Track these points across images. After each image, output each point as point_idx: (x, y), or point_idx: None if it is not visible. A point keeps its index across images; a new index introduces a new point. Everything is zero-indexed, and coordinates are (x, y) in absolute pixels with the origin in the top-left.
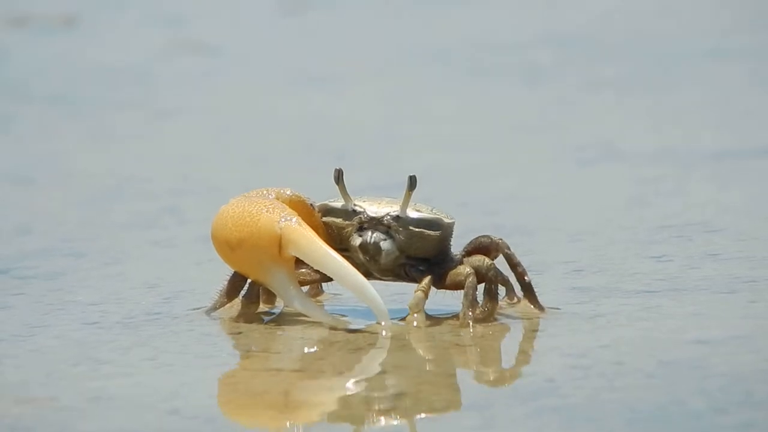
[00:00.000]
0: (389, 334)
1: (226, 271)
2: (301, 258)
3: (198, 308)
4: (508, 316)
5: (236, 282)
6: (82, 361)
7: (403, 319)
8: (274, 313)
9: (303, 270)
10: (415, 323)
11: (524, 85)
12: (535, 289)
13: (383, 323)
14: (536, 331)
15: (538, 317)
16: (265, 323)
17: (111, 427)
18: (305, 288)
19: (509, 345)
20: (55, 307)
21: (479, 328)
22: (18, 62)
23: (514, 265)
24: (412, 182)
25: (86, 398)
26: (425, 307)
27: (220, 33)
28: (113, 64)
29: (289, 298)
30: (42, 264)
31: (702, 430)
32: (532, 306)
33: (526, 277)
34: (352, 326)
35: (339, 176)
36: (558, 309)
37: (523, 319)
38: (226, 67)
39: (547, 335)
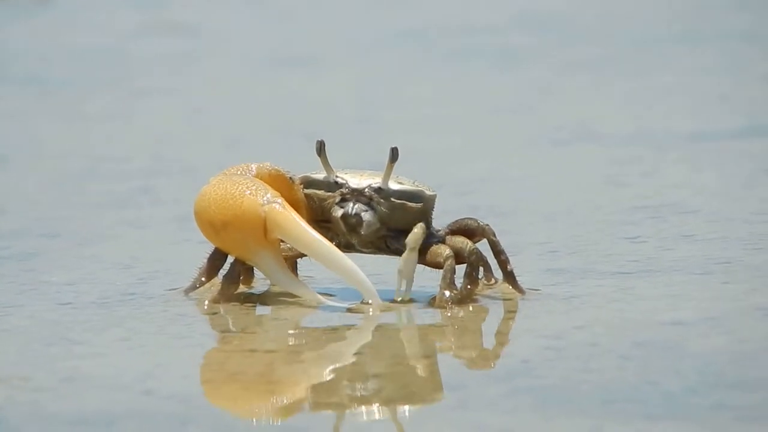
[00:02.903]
0: (376, 314)
1: (202, 252)
2: (286, 241)
3: (174, 288)
4: (484, 297)
5: (215, 261)
6: (56, 342)
7: (394, 301)
8: (252, 294)
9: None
10: (403, 289)
11: (500, 67)
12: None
13: (371, 302)
14: (512, 312)
15: (513, 299)
16: (242, 304)
17: (84, 408)
18: None
19: (485, 326)
20: (29, 287)
21: (455, 309)
22: None
23: (497, 252)
24: (394, 154)
25: (59, 378)
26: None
27: (196, 13)
28: (88, 43)
29: (277, 279)
30: (15, 244)
31: (676, 410)
32: (513, 289)
33: (508, 266)
34: (340, 306)
35: (321, 148)
36: (537, 290)
37: (498, 300)
38: (201, 48)
39: (523, 316)
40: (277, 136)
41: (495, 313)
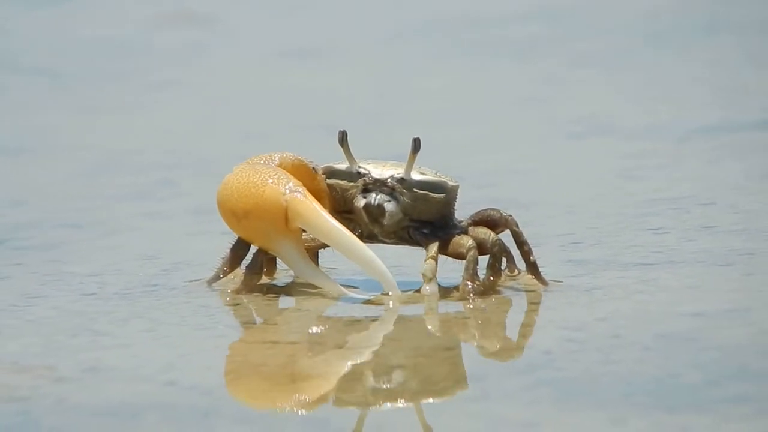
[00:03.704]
0: (396, 305)
1: (223, 243)
2: (307, 230)
3: (197, 279)
4: (506, 288)
5: (238, 252)
6: (80, 332)
7: (418, 290)
8: (274, 285)
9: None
10: (428, 289)
11: (516, 59)
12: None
13: (391, 293)
14: (533, 303)
15: (536, 290)
16: (265, 295)
17: (108, 398)
18: None
19: (506, 318)
20: (53, 278)
21: (478, 300)
22: (9, 34)
23: (520, 243)
24: (417, 145)
25: (83, 369)
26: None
27: (210, 5)
28: (104, 35)
29: (298, 268)
30: (38, 235)
31: (697, 402)
32: (536, 280)
33: (531, 257)
34: (360, 297)
35: (343, 138)
36: (559, 282)
37: (520, 291)
38: (218, 40)
39: (544, 308)
40: (293, 128)
41: (517, 304)
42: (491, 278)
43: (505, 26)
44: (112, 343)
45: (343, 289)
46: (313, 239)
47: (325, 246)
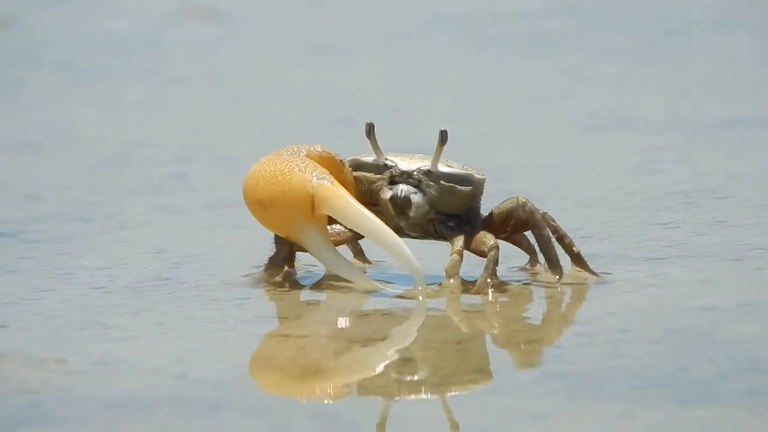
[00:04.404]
0: (422, 294)
1: (236, 237)
2: (334, 217)
3: (248, 274)
4: (518, 283)
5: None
6: (90, 325)
7: (440, 284)
8: (289, 279)
9: (333, 230)
10: (452, 282)
11: (532, 54)
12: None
13: (416, 279)
14: (544, 297)
15: (547, 285)
16: (276, 289)
17: (117, 391)
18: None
19: (518, 311)
20: (63, 271)
21: (492, 295)
22: (26, 28)
23: (560, 237)
24: (444, 137)
25: (93, 362)
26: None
27: (228, 2)
28: (121, 30)
29: (323, 257)
30: (49, 228)
31: (708, 397)
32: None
33: (574, 248)
34: (393, 291)
35: (370, 130)
36: (609, 273)
37: (531, 285)
38: (235, 35)
39: (555, 302)
40: (310, 123)
41: (527, 298)
42: (488, 279)
43: (524, 21)
44: (121, 336)
45: (366, 278)
46: (338, 233)
47: (359, 237)
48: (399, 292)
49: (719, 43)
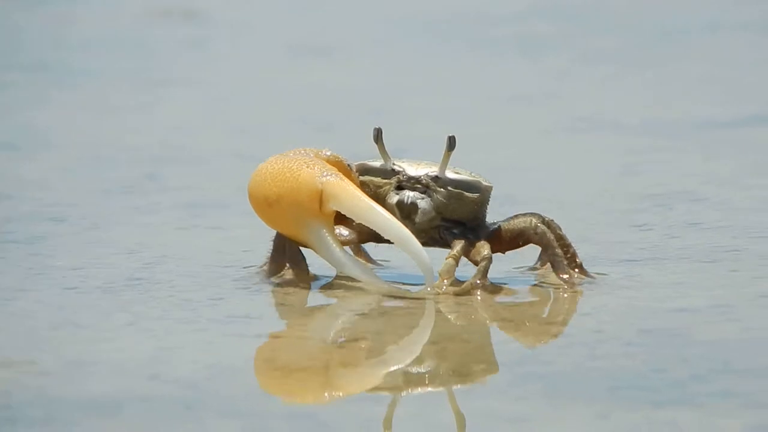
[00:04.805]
0: (431, 291)
1: (211, 238)
2: (343, 212)
3: (249, 267)
4: (492, 285)
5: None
6: (62, 326)
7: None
8: (259, 277)
9: (340, 232)
10: (444, 288)
11: (519, 56)
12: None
13: (425, 274)
14: (518, 299)
15: (531, 285)
16: (249, 289)
17: (90, 392)
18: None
19: (492, 313)
20: (35, 272)
21: (478, 296)
22: (5, 29)
23: (566, 246)
24: (451, 143)
25: (66, 362)
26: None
27: (212, 1)
28: (104, 31)
29: (331, 255)
30: (22, 229)
31: (682, 398)
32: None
33: (577, 259)
34: (399, 287)
35: (378, 135)
36: (605, 275)
37: (506, 287)
38: (218, 37)
39: (529, 304)
40: (294, 125)
41: (501, 300)
42: (477, 281)
43: (511, 22)
44: (94, 337)
45: (372, 275)
46: (340, 236)
47: (365, 241)
48: (409, 290)
49: (704, 45)
